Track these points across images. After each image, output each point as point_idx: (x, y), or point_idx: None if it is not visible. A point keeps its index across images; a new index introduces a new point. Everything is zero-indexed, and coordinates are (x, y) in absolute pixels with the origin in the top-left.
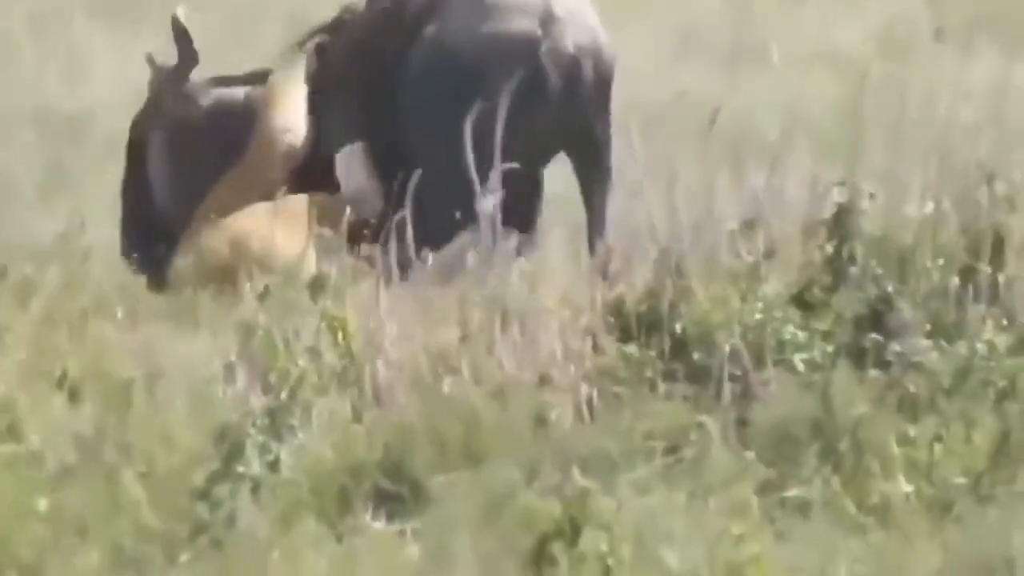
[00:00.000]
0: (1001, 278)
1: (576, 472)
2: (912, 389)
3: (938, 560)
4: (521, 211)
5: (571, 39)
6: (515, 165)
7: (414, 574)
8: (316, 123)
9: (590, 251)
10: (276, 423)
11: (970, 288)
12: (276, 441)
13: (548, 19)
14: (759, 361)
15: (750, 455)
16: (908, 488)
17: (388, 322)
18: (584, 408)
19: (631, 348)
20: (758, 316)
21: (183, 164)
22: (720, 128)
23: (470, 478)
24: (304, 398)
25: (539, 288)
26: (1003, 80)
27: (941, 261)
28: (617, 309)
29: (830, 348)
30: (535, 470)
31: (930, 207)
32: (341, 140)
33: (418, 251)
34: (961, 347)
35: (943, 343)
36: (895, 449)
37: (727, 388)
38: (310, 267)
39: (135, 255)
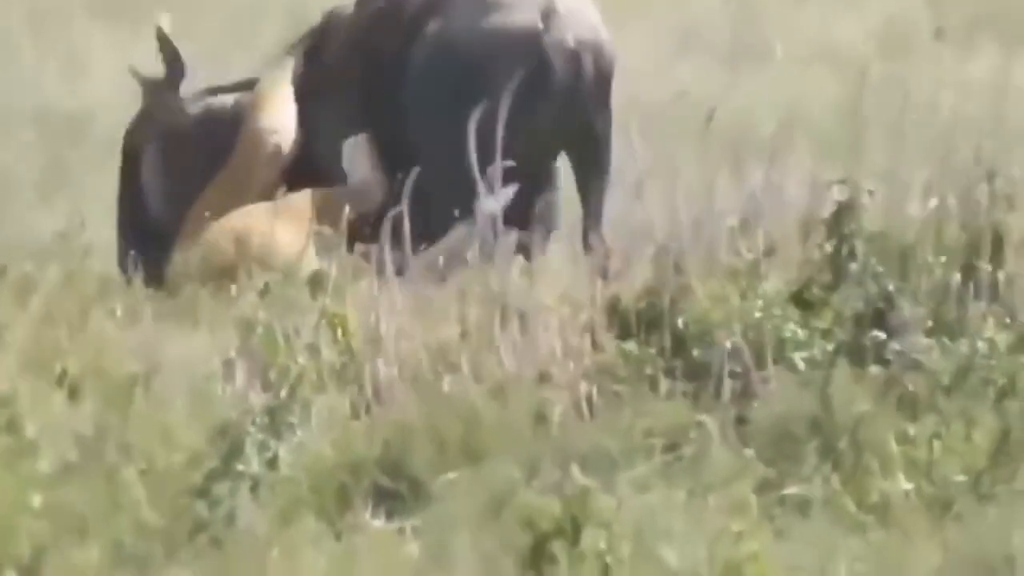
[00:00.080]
0: (1001, 276)
1: (576, 470)
2: (911, 387)
3: (938, 558)
4: (522, 208)
5: (572, 33)
6: (512, 163)
7: (413, 572)
8: (306, 124)
9: (584, 247)
10: (275, 421)
11: (970, 286)
12: (275, 439)
13: (550, 13)
14: (759, 359)
15: (749, 453)
16: (908, 486)
17: (387, 319)
18: (584, 406)
19: (630, 345)
20: (758, 314)
21: (176, 174)
22: (720, 127)
23: (470, 476)
24: (303, 396)
25: (538, 285)
26: (1003, 78)
27: (942, 259)
28: (616, 307)
29: (830, 346)
30: (535, 468)
31: (930, 205)
32: (338, 139)
33: (416, 248)
34: (961, 345)
35: (945, 340)
36: (895, 447)
37: (727, 386)
38: (310, 264)
39: (132, 253)
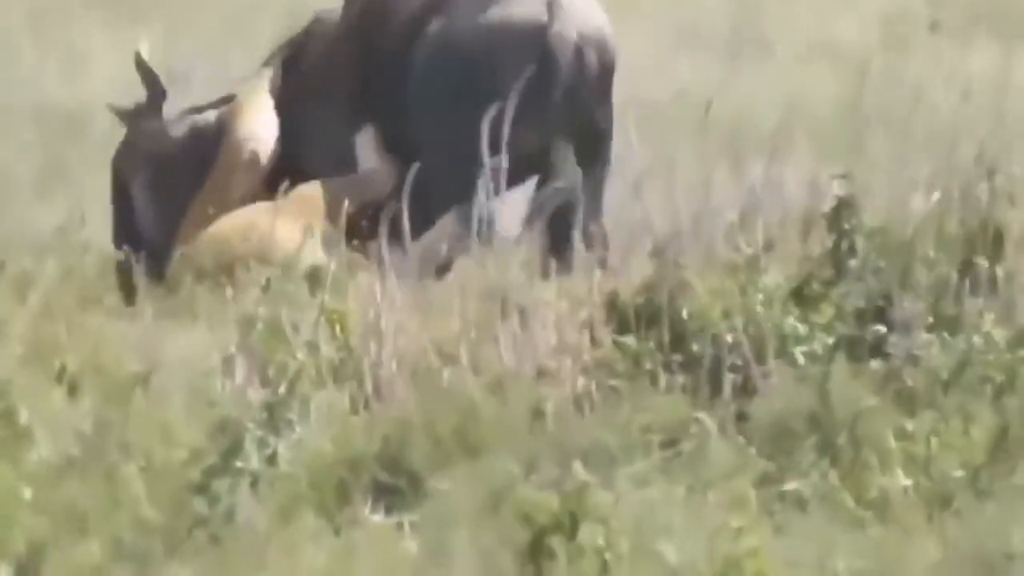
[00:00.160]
0: (1000, 272)
1: (575, 466)
2: (910, 383)
3: (936, 554)
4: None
5: (577, 27)
6: (506, 159)
7: (413, 567)
8: (293, 128)
9: (584, 239)
10: (274, 417)
11: (969, 282)
12: (274, 435)
13: (554, 7)
14: (758, 354)
15: (749, 449)
16: (906, 482)
17: (386, 314)
18: (582, 401)
19: (628, 340)
20: (758, 309)
21: (167, 197)
22: (719, 122)
23: (468, 471)
24: (302, 392)
25: (537, 280)
26: (1002, 73)
27: (941, 255)
28: (615, 302)
29: (830, 340)
30: (533, 463)
31: (930, 200)
32: (332, 140)
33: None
34: (960, 341)
35: (945, 336)
36: (893, 443)
37: (727, 381)
38: (311, 258)
39: (129, 248)
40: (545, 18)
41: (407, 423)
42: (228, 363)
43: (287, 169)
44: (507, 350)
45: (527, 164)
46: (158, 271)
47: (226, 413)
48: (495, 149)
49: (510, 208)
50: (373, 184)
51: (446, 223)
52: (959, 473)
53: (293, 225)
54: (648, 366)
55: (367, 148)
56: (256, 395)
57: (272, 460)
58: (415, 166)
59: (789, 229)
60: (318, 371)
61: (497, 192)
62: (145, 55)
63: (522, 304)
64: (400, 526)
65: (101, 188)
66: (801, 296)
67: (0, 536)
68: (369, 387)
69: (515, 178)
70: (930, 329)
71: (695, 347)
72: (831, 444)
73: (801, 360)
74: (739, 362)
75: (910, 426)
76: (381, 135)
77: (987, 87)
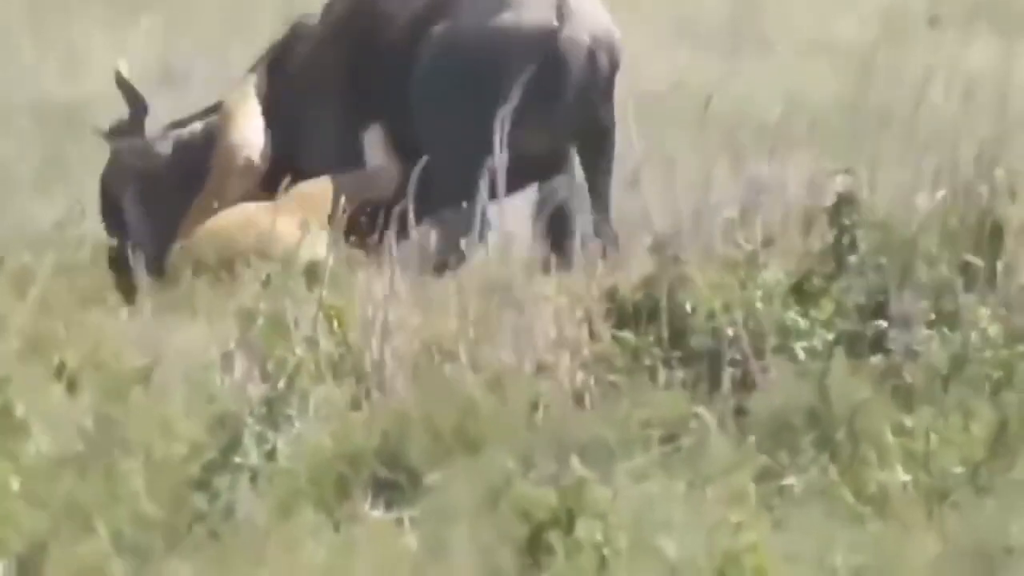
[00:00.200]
0: (999, 267)
1: (573, 461)
2: (909, 379)
3: (935, 549)
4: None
5: (588, 31)
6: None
7: (412, 562)
8: (286, 132)
9: (599, 236)
10: (273, 412)
11: (969, 277)
12: (273, 430)
13: (564, 11)
14: (757, 349)
15: (748, 444)
16: (905, 477)
17: (387, 310)
18: (581, 396)
19: (627, 335)
20: (758, 304)
21: (160, 213)
22: (718, 116)
23: (467, 467)
24: (301, 387)
25: (536, 276)
26: (1002, 68)
27: (942, 251)
28: (614, 296)
29: (830, 336)
30: (532, 458)
31: (931, 196)
32: (329, 140)
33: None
34: (959, 336)
35: (945, 330)
36: (892, 438)
37: (727, 376)
38: (310, 254)
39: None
40: (555, 22)
41: (406, 418)
42: (227, 358)
43: (280, 172)
44: (506, 346)
45: (535, 166)
46: (156, 273)
47: (225, 408)
48: (501, 151)
49: (513, 209)
50: (379, 182)
51: (444, 223)
52: (958, 468)
53: (292, 221)
54: (647, 361)
55: (374, 147)
56: (255, 390)
57: (271, 455)
58: (419, 164)
59: (790, 225)
60: (317, 366)
61: (499, 194)
62: (124, 72)
63: (521, 299)
64: (399, 521)
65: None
66: (801, 291)
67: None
68: (373, 381)
69: (523, 180)
70: (930, 325)
71: (694, 342)
72: (830, 439)
73: (801, 355)
74: (738, 357)
75: (909, 421)
76: (387, 134)
77: (987, 82)
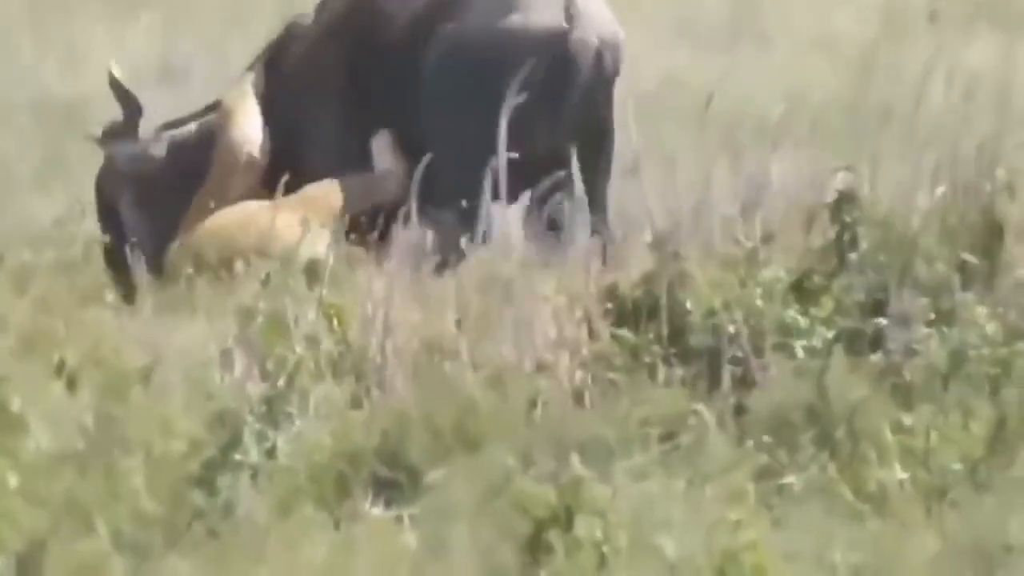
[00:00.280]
0: (999, 265)
1: (572, 459)
2: (908, 377)
3: (934, 547)
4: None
5: (596, 31)
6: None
7: (411, 561)
8: (277, 133)
9: (593, 234)
10: (273, 410)
11: (967, 275)
12: (273, 429)
13: (572, 12)
14: (757, 347)
15: (748, 442)
16: (904, 475)
17: (386, 308)
18: (581, 394)
19: (627, 333)
20: (758, 302)
21: (157, 216)
22: (718, 114)
23: (467, 465)
24: (301, 385)
25: (536, 274)
26: (1002, 65)
27: (942, 248)
28: (614, 294)
29: (830, 334)
30: (531, 457)
31: (931, 193)
32: (329, 140)
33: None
34: (957, 334)
35: (944, 329)
36: (891, 436)
37: (727, 373)
38: (310, 252)
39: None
40: (565, 24)
41: (406, 417)
42: (227, 356)
43: (278, 170)
44: (505, 344)
45: (536, 166)
46: (155, 272)
47: (225, 406)
48: (508, 151)
49: (510, 210)
50: (387, 185)
51: (443, 222)
52: (957, 466)
53: (292, 219)
54: (647, 359)
55: (382, 149)
56: (255, 388)
57: (271, 453)
58: (423, 162)
59: (790, 222)
60: (317, 365)
61: (499, 196)
62: (117, 74)
63: (520, 297)
64: (399, 519)
65: None
66: (802, 289)
67: None
68: (369, 381)
69: (525, 180)
70: (929, 323)
71: (693, 340)
72: (829, 437)
73: (801, 353)
74: (739, 354)
75: (908, 419)
76: (395, 137)
77: (988, 79)
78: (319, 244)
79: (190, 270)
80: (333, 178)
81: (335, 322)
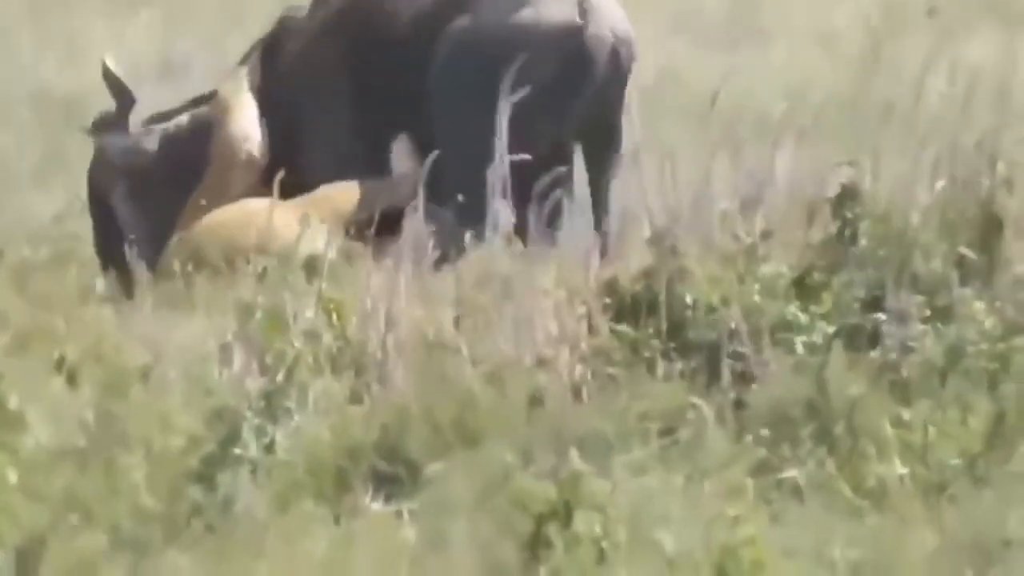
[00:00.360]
0: (997, 260)
1: (572, 454)
2: (906, 373)
3: (933, 542)
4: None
5: (610, 27)
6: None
7: (411, 555)
8: (273, 130)
9: (597, 232)
10: (272, 405)
11: (966, 270)
12: (272, 423)
13: (585, 8)
14: (756, 342)
15: (747, 437)
16: (903, 470)
17: (385, 303)
18: (580, 389)
19: (626, 328)
20: (756, 297)
21: (151, 209)
22: (717, 109)
23: (466, 460)
24: (300, 380)
25: (535, 269)
26: (1002, 60)
27: (941, 244)
28: (614, 288)
29: (830, 329)
30: (531, 452)
31: (932, 189)
32: (332, 138)
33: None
34: (955, 330)
35: (939, 326)
36: (890, 432)
37: (727, 369)
38: (309, 248)
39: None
40: (579, 19)
41: (405, 412)
42: (226, 351)
43: (276, 169)
44: (505, 339)
45: (542, 163)
46: (151, 267)
47: (224, 402)
48: (516, 148)
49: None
50: (403, 189)
51: (445, 219)
52: (956, 461)
53: (292, 218)
54: (646, 354)
55: (400, 152)
56: (254, 383)
57: (270, 448)
58: (430, 157)
59: (791, 217)
60: (316, 359)
61: (506, 192)
62: (112, 65)
63: (520, 292)
64: (399, 514)
65: None
66: (802, 285)
67: None
68: (368, 376)
69: (535, 176)
70: (927, 319)
71: (692, 335)
72: (828, 433)
73: (800, 349)
74: (739, 349)
75: (907, 414)
76: (415, 139)
77: (987, 73)
78: (319, 240)
79: (189, 267)
80: (334, 180)
81: (334, 317)
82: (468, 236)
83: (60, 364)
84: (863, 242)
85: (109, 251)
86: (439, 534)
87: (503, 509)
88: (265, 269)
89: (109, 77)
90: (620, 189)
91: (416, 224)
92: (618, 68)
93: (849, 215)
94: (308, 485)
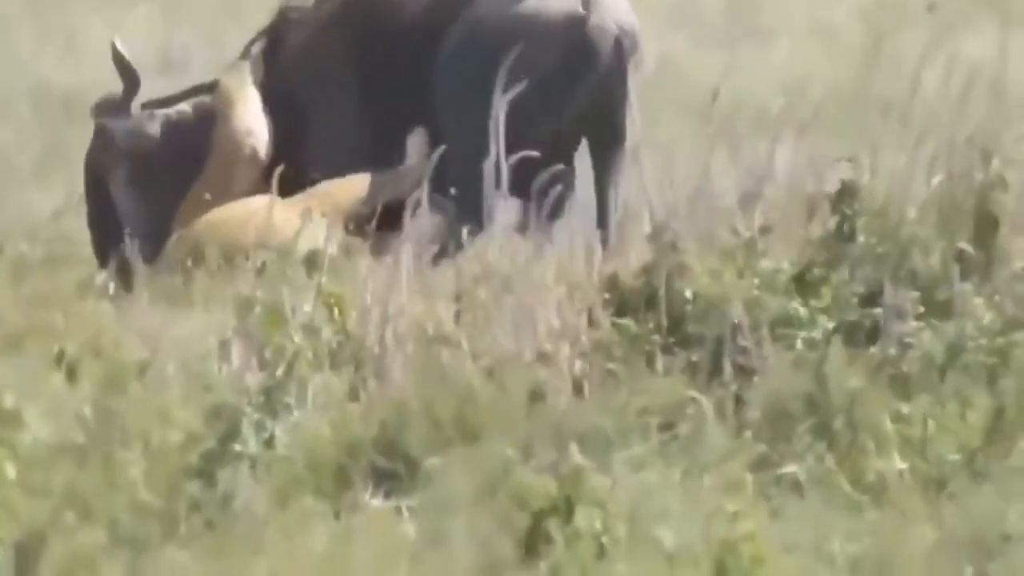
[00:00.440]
0: (995, 255)
1: (572, 449)
2: (906, 368)
3: (933, 537)
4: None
5: (613, 18)
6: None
7: (410, 551)
8: (276, 123)
9: (600, 228)
10: (272, 400)
11: (964, 265)
12: (272, 419)
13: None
14: (757, 337)
15: (745, 432)
16: (903, 465)
17: (385, 298)
18: (581, 384)
19: (626, 322)
20: (755, 292)
21: (150, 195)
22: (717, 104)
23: (466, 455)
24: (300, 375)
25: (536, 264)
26: (999, 55)
27: (939, 240)
28: (614, 283)
29: (830, 324)
30: (531, 447)
31: (929, 184)
32: (323, 134)
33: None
34: (954, 325)
35: (935, 322)
36: (889, 426)
37: (727, 363)
38: (309, 242)
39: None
40: (582, 10)
41: (405, 407)
42: (225, 347)
43: (279, 164)
44: (505, 334)
45: (551, 155)
46: (150, 258)
47: (223, 397)
48: (518, 139)
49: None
50: (407, 181)
51: (445, 212)
52: (955, 456)
53: (291, 212)
54: (646, 348)
55: (414, 144)
56: (253, 379)
57: (270, 444)
58: (437, 151)
59: (791, 212)
60: (316, 354)
61: (501, 185)
62: (121, 48)
63: (521, 287)
64: (398, 510)
65: None
66: (802, 280)
67: None
68: (367, 371)
69: (538, 170)
70: (925, 315)
71: (692, 330)
72: (827, 428)
73: (800, 344)
74: (740, 344)
75: (906, 409)
76: (430, 132)
77: (985, 69)
78: (319, 235)
79: (189, 263)
80: (339, 173)
81: (334, 312)
82: (466, 230)
83: (59, 359)
84: (861, 238)
85: (105, 240)
86: (439, 530)
87: (503, 504)
88: (264, 264)
89: (118, 59)
90: (622, 184)
91: (418, 217)
92: (621, 59)
93: (848, 211)
94: (307, 481)
